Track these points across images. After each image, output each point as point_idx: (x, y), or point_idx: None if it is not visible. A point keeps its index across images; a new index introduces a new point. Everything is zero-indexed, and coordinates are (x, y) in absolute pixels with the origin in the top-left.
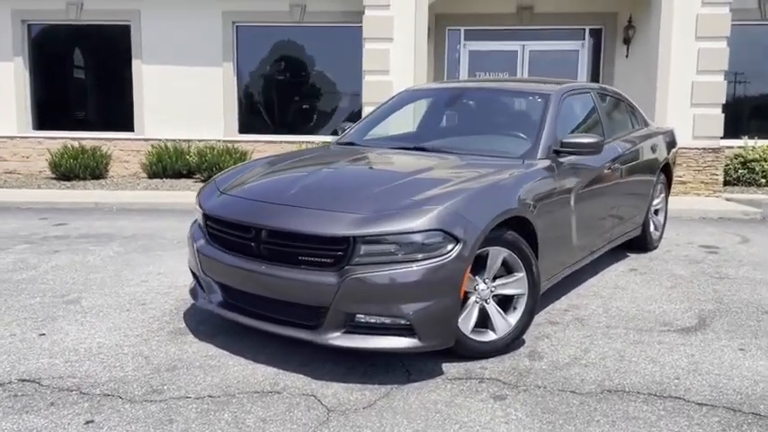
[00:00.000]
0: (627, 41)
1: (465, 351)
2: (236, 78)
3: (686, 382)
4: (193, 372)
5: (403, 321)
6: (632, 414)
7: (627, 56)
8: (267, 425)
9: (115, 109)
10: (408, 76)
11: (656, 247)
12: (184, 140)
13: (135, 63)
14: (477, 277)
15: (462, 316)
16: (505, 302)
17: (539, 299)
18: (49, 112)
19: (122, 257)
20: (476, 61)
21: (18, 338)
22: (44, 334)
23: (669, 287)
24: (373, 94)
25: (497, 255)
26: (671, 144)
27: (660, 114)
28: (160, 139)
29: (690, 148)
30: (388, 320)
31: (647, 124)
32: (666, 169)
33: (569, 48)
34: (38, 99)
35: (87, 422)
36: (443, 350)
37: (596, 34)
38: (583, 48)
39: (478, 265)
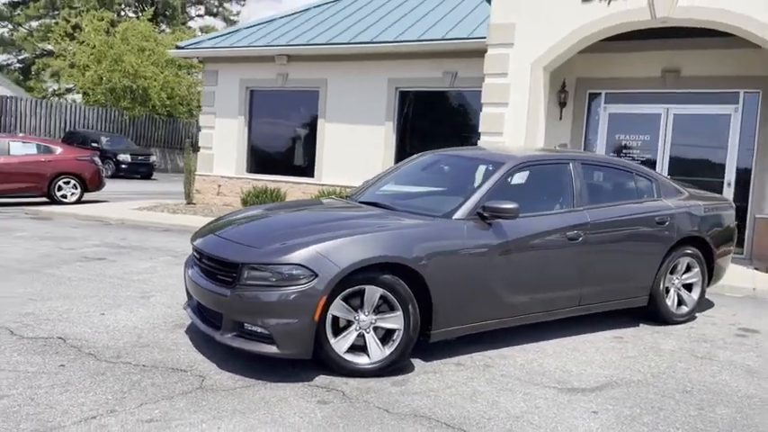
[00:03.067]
0: None
1: (337, 368)
2: (394, 135)
3: None
4: (158, 350)
5: (266, 332)
6: None
7: None
8: (159, 387)
9: (304, 158)
10: (520, 138)
11: (680, 322)
12: (350, 186)
13: (320, 122)
14: (358, 309)
15: (338, 338)
16: (388, 335)
17: (415, 334)
18: (257, 159)
19: None
20: (616, 124)
21: (84, 313)
22: (104, 314)
23: (629, 356)
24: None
25: (374, 292)
26: (709, 218)
27: None
28: (332, 185)
29: None
30: (259, 330)
31: (675, 195)
32: (698, 243)
33: (720, 112)
34: (251, 148)
35: (60, 365)
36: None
37: (752, 98)
38: (736, 112)
39: (360, 299)
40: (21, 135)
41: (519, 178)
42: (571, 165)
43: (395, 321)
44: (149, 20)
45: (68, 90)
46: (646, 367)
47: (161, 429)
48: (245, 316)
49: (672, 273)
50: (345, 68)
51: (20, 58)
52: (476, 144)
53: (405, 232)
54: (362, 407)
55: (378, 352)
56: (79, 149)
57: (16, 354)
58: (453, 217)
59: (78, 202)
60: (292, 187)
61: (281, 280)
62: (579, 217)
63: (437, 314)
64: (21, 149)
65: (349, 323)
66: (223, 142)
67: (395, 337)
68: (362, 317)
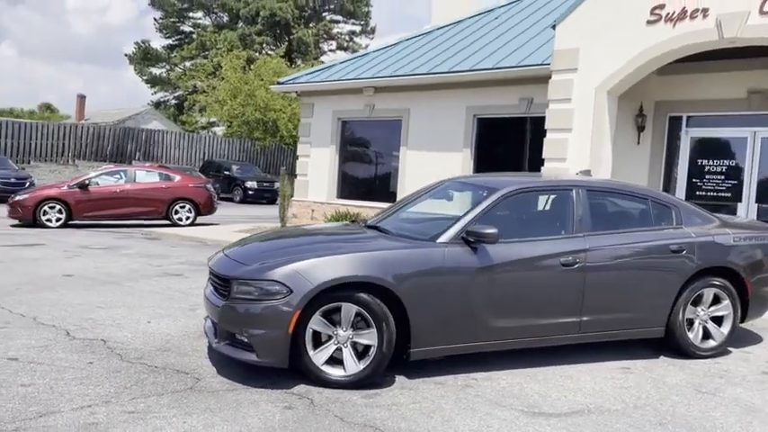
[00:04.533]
0: None
1: (315, 378)
2: (472, 162)
3: None
4: (176, 354)
5: (246, 341)
6: None
7: None
8: (157, 385)
9: (387, 185)
10: (584, 164)
11: (706, 356)
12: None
13: (402, 149)
14: (337, 325)
15: (317, 351)
16: (366, 350)
17: (389, 351)
18: (345, 185)
19: None
20: (698, 149)
21: (134, 321)
22: (150, 322)
23: (623, 387)
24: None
25: (350, 309)
26: (743, 248)
27: None
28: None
29: None
30: (245, 339)
31: (701, 223)
32: (728, 274)
33: None
34: (341, 175)
35: (89, 362)
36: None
37: None
38: None
39: (339, 315)
40: (147, 164)
41: (514, 204)
42: (574, 191)
43: (370, 338)
44: (282, 56)
45: (212, 123)
46: (634, 398)
47: (136, 420)
48: (232, 326)
49: (696, 304)
50: (427, 98)
51: (175, 95)
52: (539, 170)
53: (383, 254)
54: (322, 414)
55: (353, 366)
56: (195, 178)
57: (61, 351)
58: (438, 240)
59: (192, 224)
60: (375, 212)
61: (262, 294)
62: (576, 243)
63: (416, 333)
64: (145, 177)
65: (329, 337)
66: (317, 169)
67: (370, 353)
68: (341, 332)
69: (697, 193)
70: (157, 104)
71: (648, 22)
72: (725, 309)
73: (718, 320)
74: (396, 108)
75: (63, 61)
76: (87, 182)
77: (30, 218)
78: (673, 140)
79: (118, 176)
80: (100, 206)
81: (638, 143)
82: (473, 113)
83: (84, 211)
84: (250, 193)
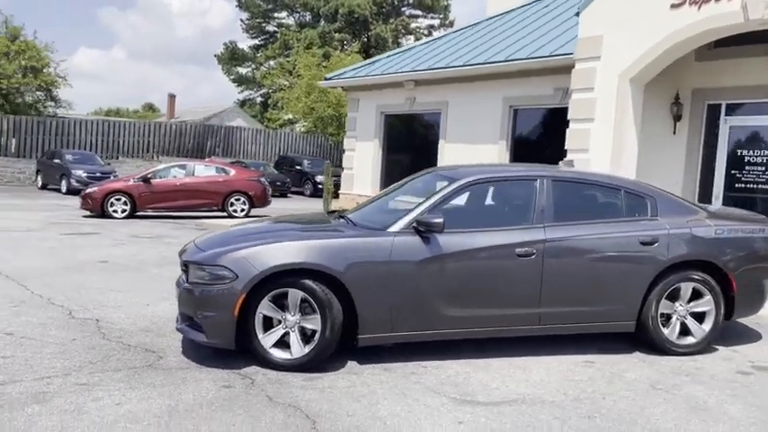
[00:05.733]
0: None
1: (263, 360)
2: (507, 154)
3: None
4: (154, 335)
5: (197, 322)
6: (262, 417)
7: None
8: (121, 361)
9: None
10: (606, 154)
11: (683, 353)
12: None
13: (440, 142)
14: (285, 310)
15: (266, 334)
16: (313, 335)
17: (333, 336)
18: (388, 178)
19: None
20: (738, 138)
21: (135, 303)
22: (149, 305)
23: (573, 380)
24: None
25: (296, 295)
26: (726, 241)
27: None
28: None
29: None
30: (198, 321)
31: (682, 214)
32: (709, 268)
33: None
34: (383, 168)
35: (72, 339)
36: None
37: None
38: None
39: (287, 301)
40: (207, 160)
41: (475, 194)
42: (538, 181)
43: (315, 323)
44: (358, 52)
45: (292, 120)
46: (578, 391)
47: (82, 391)
48: (188, 308)
49: (673, 299)
50: (464, 90)
51: (260, 93)
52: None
53: (331, 242)
54: (253, 394)
55: (299, 349)
56: (250, 171)
57: (54, 329)
58: (389, 230)
59: (246, 216)
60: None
61: (212, 279)
62: (534, 234)
63: (363, 320)
64: (203, 171)
65: (279, 322)
66: (361, 163)
67: (315, 338)
68: (289, 317)
69: (736, 185)
70: (243, 103)
71: (673, 6)
72: (706, 304)
73: (700, 316)
74: (435, 101)
75: (168, 62)
76: (150, 176)
77: (98, 209)
78: (711, 130)
79: (178, 171)
80: (161, 198)
81: (674, 133)
82: (509, 104)
83: (147, 203)
84: (320, 186)
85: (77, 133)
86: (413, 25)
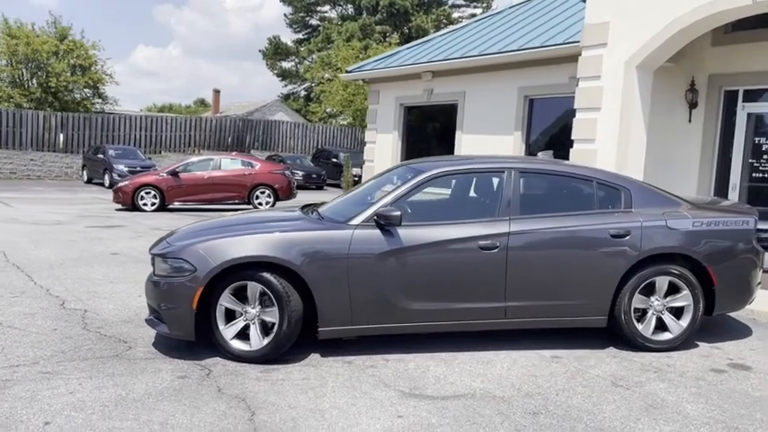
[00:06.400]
0: None
1: (224, 351)
2: (523, 144)
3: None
4: (132, 326)
5: (159, 313)
6: (207, 404)
7: None
8: (90, 351)
9: None
10: (612, 144)
11: (658, 349)
12: None
13: (457, 133)
14: (246, 302)
15: (227, 326)
16: (272, 328)
17: (291, 329)
18: None
19: None
20: (756, 126)
21: (128, 295)
22: (140, 296)
23: (532, 375)
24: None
25: (255, 288)
26: (705, 233)
27: None
28: None
29: None
30: (162, 313)
31: (660, 206)
32: (687, 262)
33: None
34: (403, 157)
35: (53, 329)
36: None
37: None
38: None
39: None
40: (234, 153)
41: (437, 186)
42: (506, 174)
43: (273, 316)
44: (398, 44)
45: (331, 114)
46: (533, 387)
47: (43, 379)
48: (153, 300)
49: (648, 294)
50: (480, 80)
51: (303, 87)
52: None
53: (291, 235)
54: (206, 385)
55: (257, 341)
56: (275, 164)
57: (41, 319)
58: (350, 223)
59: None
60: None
61: (173, 271)
62: (498, 226)
63: (323, 313)
64: (229, 165)
65: (240, 314)
66: (382, 154)
67: (273, 330)
68: (250, 309)
69: (753, 174)
70: (287, 96)
71: None
72: (684, 299)
73: (678, 311)
74: (452, 92)
75: (222, 58)
76: (179, 169)
77: (129, 203)
78: (728, 117)
79: (205, 164)
80: (189, 192)
81: (690, 121)
82: (524, 94)
83: (176, 196)
84: (355, 179)
85: (122, 129)
86: (455, 15)
